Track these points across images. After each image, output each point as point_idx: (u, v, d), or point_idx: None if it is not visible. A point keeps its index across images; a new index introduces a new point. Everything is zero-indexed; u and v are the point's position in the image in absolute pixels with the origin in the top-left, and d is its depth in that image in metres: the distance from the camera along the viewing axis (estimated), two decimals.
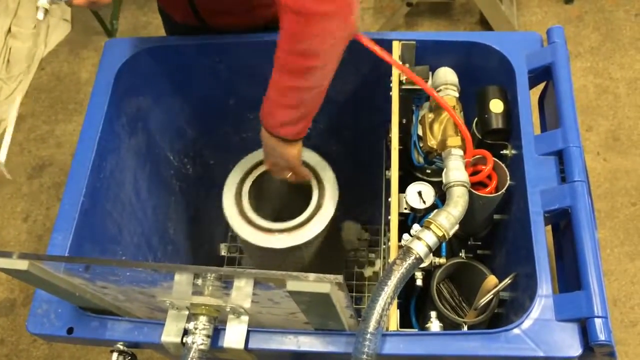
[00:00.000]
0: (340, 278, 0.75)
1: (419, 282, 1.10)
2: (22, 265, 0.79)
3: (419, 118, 1.24)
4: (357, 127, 1.55)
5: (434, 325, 1.08)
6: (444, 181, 1.08)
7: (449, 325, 1.11)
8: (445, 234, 0.99)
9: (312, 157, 1.33)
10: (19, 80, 2.58)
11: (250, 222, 1.25)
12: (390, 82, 1.22)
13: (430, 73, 1.24)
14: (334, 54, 1.02)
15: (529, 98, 1.14)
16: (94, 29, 2.70)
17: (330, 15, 0.96)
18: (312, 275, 0.74)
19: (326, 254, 1.41)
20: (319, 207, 1.26)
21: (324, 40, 0.99)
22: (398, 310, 1.02)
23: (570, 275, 1.01)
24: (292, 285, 0.75)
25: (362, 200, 1.77)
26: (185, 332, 0.92)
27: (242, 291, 0.84)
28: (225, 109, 1.46)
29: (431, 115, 1.17)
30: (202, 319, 0.91)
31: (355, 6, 0.99)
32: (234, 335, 0.93)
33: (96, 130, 1.20)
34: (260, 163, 1.36)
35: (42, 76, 2.62)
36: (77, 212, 1.11)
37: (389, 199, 1.12)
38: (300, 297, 0.78)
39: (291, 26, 0.97)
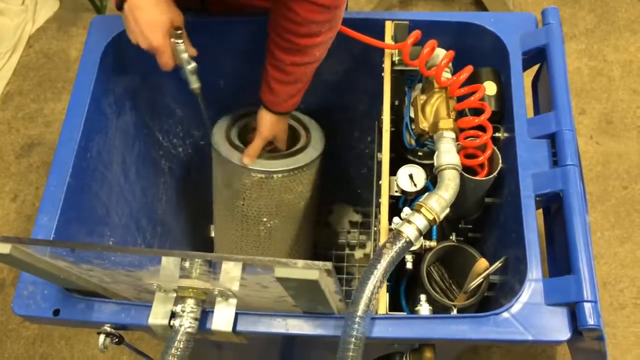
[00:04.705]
0: (329, 265, 0.74)
1: (409, 265, 1.10)
2: (4, 249, 0.77)
3: (411, 100, 1.22)
4: (349, 108, 1.54)
5: (424, 308, 1.07)
6: (435, 164, 1.07)
7: (438, 308, 1.11)
8: (436, 217, 0.98)
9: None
10: (7, 57, 2.53)
11: (237, 147, 1.34)
12: (383, 62, 1.20)
13: None
14: (336, 29, 1.11)
15: (522, 80, 1.13)
16: (83, 6, 2.64)
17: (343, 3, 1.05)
18: (300, 262, 0.73)
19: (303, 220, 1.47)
20: (306, 146, 1.39)
21: (333, 25, 1.07)
22: (388, 293, 1.02)
23: (560, 260, 1.01)
24: (280, 272, 0.74)
25: (354, 182, 1.77)
26: (173, 315, 0.92)
27: (230, 275, 0.83)
28: (214, 89, 1.43)
29: (423, 97, 1.16)
30: (190, 302, 0.91)
31: None
32: (222, 318, 0.93)
33: (82, 109, 1.18)
34: (243, 115, 1.44)
35: (30, 54, 2.57)
36: (63, 193, 1.09)
37: (380, 182, 1.11)
38: (288, 283, 0.77)
39: (308, 14, 1.02)
